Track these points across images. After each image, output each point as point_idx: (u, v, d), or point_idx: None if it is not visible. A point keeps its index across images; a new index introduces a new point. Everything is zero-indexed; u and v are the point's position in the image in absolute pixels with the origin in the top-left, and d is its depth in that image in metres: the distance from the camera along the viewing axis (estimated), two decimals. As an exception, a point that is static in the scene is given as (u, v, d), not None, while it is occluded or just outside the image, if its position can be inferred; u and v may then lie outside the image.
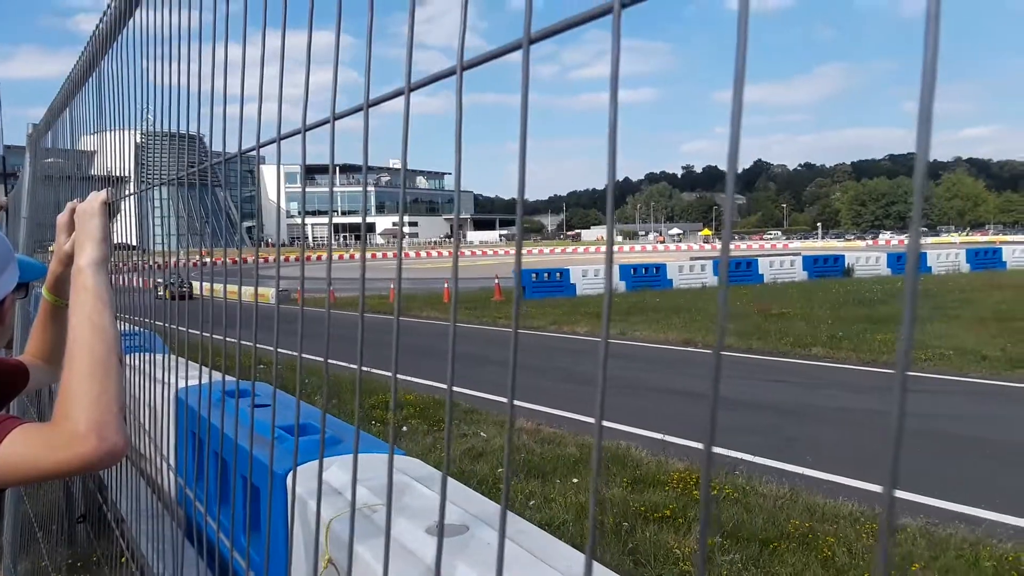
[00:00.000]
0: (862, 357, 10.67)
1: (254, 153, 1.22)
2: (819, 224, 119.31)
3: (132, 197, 2.08)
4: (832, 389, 8.89)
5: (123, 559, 2.30)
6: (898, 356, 0.34)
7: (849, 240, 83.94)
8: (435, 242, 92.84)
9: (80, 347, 1.17)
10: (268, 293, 14.77)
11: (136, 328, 2.42)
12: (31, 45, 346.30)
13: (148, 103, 1.79)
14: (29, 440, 1.08)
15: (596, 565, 1.87)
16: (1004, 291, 18.36)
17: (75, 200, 1.55)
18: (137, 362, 2.48)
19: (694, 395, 8.52)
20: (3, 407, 1.70)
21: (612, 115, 0.48)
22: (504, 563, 1.78)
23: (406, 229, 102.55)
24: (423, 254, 64.35)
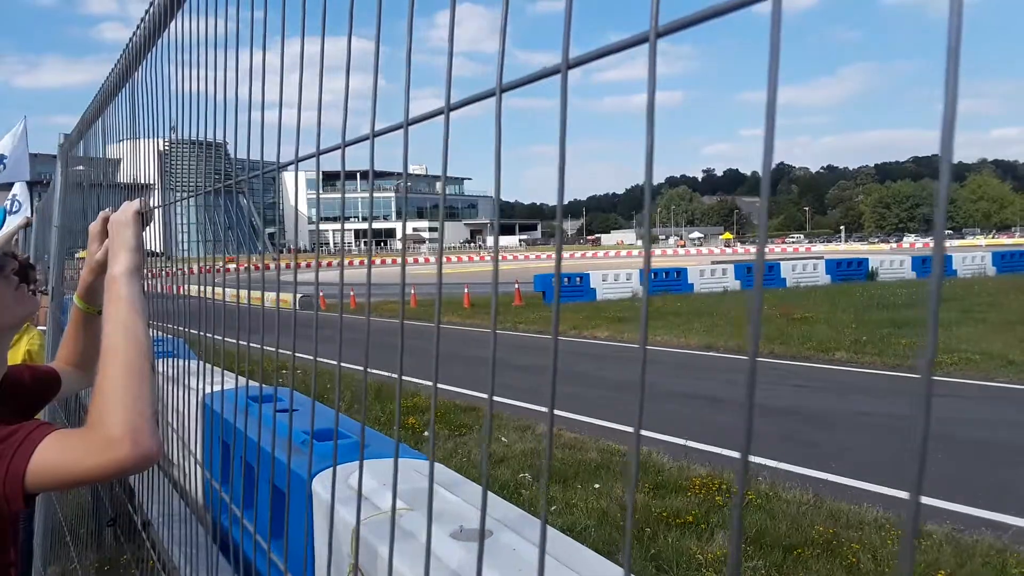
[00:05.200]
0: (886, 361, 10.56)
1: (294, 166, 1.23)
2: (842, 227, 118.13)
3: (162, 207, 2.11)
4: (856, 394, 8.80)
5: (151, 563, 2.33)
6: (921, 365, 0.34)
7: (873, 243, 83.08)
8: (454, 247, 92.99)
9: (114, 354, 1.19)
10: (291, 299, 14.84)
11: (163, 334, 2.46)
12: (56, 55, 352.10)
13: (180, 113, 1.82)
14: (64, 446, 1.10)
15: (618, 570, 1.88)
16: (1032, 294, 18.09)
17: (108, 209, 1.58)
18: (165, 368, 2.51)
19: (716, 400, 8.48)
20: (36, 413, 1.73)
21: (649, 142, 0.49)
22: (525, 567, 1.78)
23: (425, 235, 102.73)
24: (443, 259, 64.22)
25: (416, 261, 61.62)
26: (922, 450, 0.35)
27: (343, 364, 1.04)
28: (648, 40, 0.49)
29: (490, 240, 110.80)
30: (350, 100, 0.96)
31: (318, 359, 1.14)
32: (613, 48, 0.52)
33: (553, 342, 0.58)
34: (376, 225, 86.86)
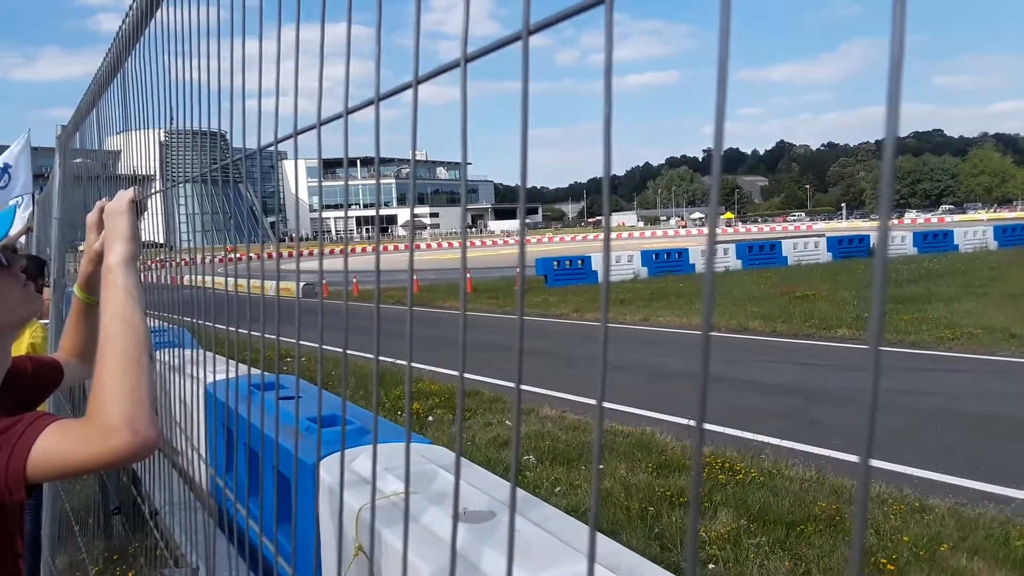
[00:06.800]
0: (888, 337, 10.55)
1: (274, 148, 1.24)
2: (843, 204, 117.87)
3: (158, 195, 2.11)
4: (858, 371, 8.81)
5: (158, 550, 2.35)
6: (870, 334, 0.35)
7: (874, 220, 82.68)
8: (456, 232, 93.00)
9: (112, 344, 1.20)
10: (293, 286, 14.86)
11: (166, 324, 2.47)
12: (53, 46, 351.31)
13: (171, 101, 1.82)
14: (64, 435, 1.11)
15: (623, 548, 1.89)
16: (1034, 268, 18.06)
17: (103, 199, 1.58)
18: (168, 357, 2.52)
19: (718, 379, 8.50)
20: (39, 404, 1.74)
21: (607, 109, 0.49)
22: (530, 547, 1.80)
23: (427, 220, 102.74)
24: (444, 244, 64.49)
25: (418, 247, 61.52)
26: (871, 418, 0.36)
27: (337, 350, 1.04)
28: (604, 1, 0.49)
29: (492, 224, 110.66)
30: (341, 85, 0.96)
31: (314, 345, 1.15)
32: (571, 11, 0.53)
33: (521, 321, 0.58)
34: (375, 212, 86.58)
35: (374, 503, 1.01)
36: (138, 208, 1.51)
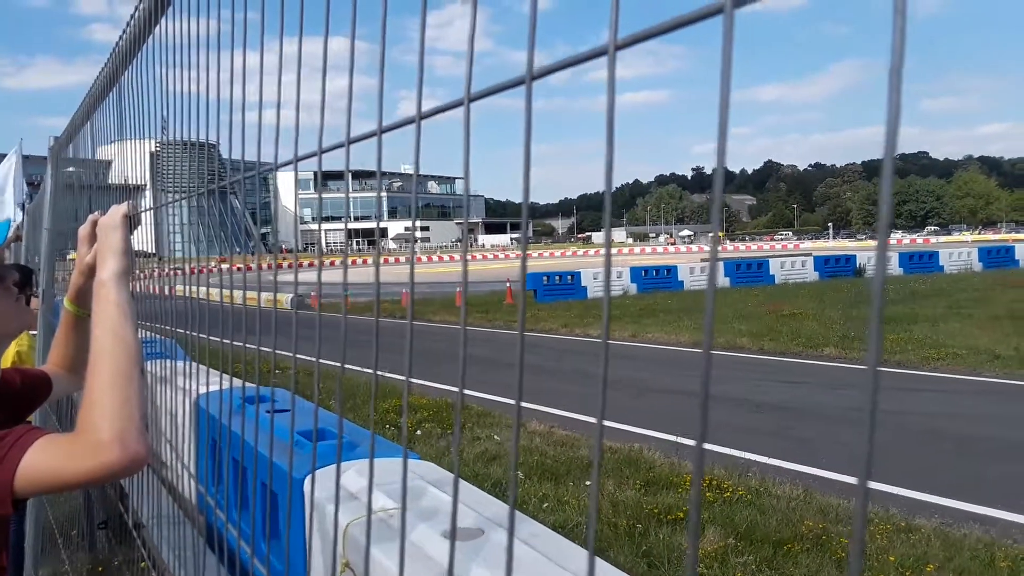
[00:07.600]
0: (875, 357, 10.60)
1: (274, 167, 1.25)
2: (830, 224, 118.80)
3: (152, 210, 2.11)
4: (844, 389, 8.85)
5: (143, 564, 2.33)
6: (869, 354, 0.36)
7: (861, 240, 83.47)
8: (446, 246, 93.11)
9: (103, 359, 1.19)
10: (284, 299, 14.77)
11: (155, 336, 2.46)
12: (47, 56, 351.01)
13: (166, 114, 1.82)
14: (53, 450, 1.10)
15: (610, 567, 1.89)
16: (1017, 290, 18.21)
17: (96, 212, 1.57)
18: (157, 369, 2.51)
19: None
20: (27, 416, 1.73)
21: (608, 155, 0.50)
22: (518, 566, 1.80)
23: (418, 234, 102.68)
24: (435, 258, 64.47)
25: (407, 260, 61.18)
26: (870, 438, 0.37)
27: (330, 363, 1.04)
28: (608, 52, 0.50)
29: (482, 238, 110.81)
30: (339, 100, 0.97)
31: (307, 359, 1.15)
32: (576, 60, 0.54)
33: (521, 338, 0.59)
34: (368, 225, 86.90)
35: (370, 519, 1.02)
36: (132, 222, 1.51)
